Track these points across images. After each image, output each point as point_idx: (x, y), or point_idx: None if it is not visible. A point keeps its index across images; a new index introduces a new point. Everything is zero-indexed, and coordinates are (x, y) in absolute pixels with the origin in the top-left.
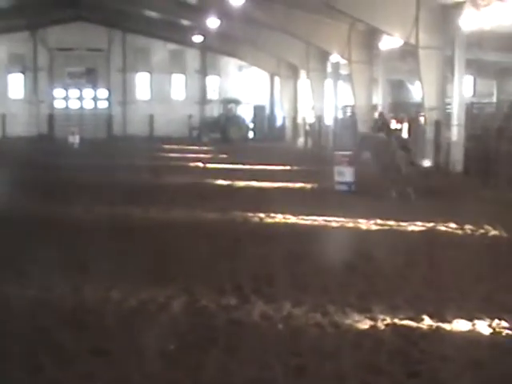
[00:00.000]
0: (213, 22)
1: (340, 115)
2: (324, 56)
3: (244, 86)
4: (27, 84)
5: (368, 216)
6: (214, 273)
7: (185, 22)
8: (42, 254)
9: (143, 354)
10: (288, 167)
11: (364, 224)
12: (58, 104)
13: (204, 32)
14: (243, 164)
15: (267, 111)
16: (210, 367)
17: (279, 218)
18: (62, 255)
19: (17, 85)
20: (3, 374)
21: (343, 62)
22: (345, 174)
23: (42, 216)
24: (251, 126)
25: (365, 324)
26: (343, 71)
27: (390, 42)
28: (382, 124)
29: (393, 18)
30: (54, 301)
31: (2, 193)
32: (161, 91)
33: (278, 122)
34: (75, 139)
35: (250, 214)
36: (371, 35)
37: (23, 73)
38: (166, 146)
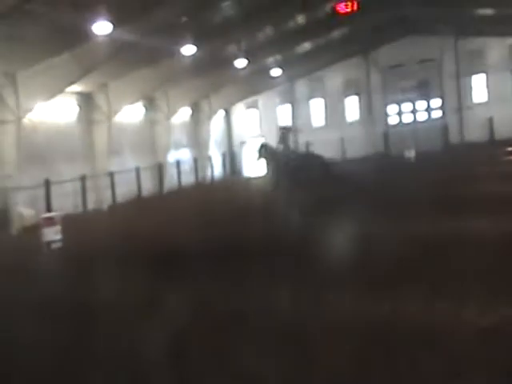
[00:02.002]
0: None
1: None
2: None
3: None
4: (362, 106)
5: None
6: None
7: None
8: None
9: None
10: None
11: None
12: (392, 120)
13: None
14: None
15: None
16: None
17: None
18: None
19: (352, 108)
20: None
21: None
22: None
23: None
24: None
25: None
26: None
27: None
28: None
29: None
30: None
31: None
32: (500, 91)
33: None
34: (411, 153)
35: None
36: None
37: (358, 95)
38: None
